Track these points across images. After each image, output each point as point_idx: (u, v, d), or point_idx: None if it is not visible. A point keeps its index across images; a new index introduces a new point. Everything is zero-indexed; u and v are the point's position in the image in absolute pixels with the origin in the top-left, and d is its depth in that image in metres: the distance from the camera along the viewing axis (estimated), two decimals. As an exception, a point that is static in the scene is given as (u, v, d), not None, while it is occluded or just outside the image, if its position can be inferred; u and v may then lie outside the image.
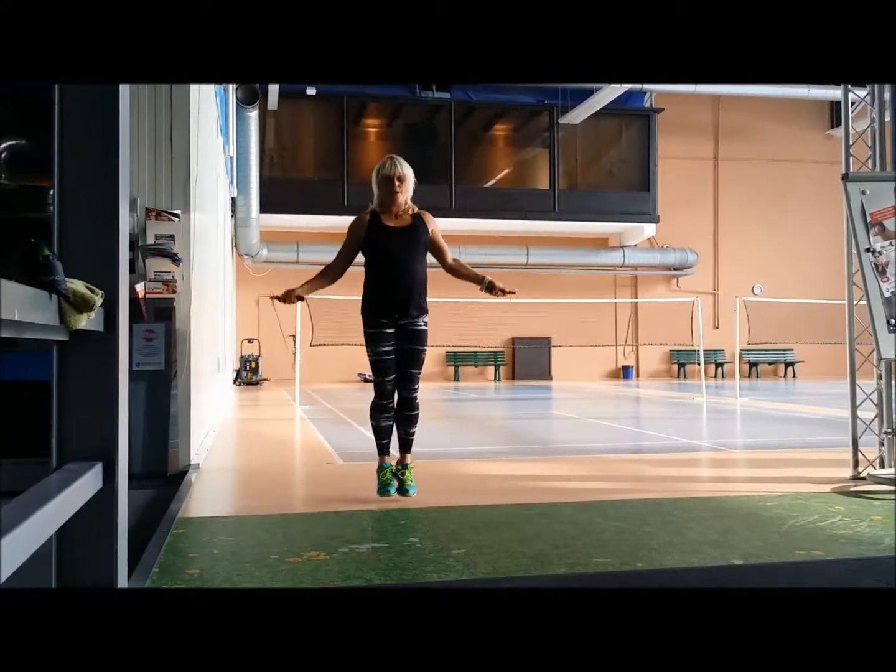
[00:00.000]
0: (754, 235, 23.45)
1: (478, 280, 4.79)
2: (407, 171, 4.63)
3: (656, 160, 21.76)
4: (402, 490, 4.70)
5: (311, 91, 19.14)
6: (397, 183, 4.57)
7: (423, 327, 4.67)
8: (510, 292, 4.72)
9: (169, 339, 5.63)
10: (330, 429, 9.04)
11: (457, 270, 4.84)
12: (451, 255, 4.81)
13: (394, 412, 4.74)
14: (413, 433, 4.79)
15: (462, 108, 20.93)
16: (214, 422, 9.30)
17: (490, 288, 4.73)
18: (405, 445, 4.79)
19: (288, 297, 4.64)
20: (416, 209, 4.71)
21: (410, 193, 4.69)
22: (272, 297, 4.66)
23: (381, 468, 4.75)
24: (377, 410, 4.73)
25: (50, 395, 1.94)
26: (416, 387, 4.71)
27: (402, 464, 4.76)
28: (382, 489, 4.70)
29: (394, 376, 4.65)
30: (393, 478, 4.72)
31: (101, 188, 1.95)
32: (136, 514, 4.25)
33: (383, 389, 4.67)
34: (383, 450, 4.78)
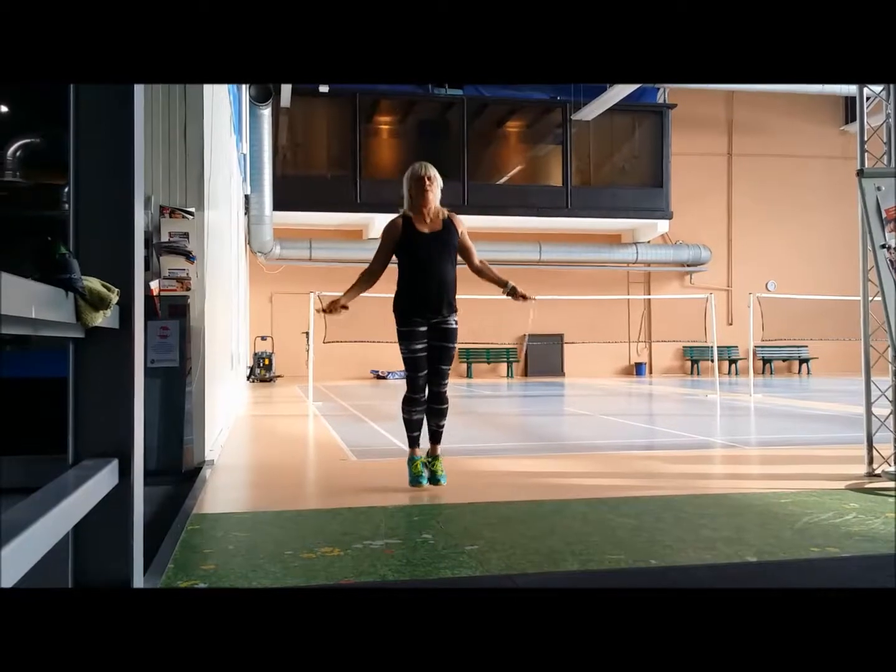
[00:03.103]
0: (768, 232, 23.34)
1: (502, 284, 5.05)
2: (436, 173, 4.92)
3: (669, 156, 21.68)
4: (434, 480, 4.94)
5: (323, 89, 19.15)
6: (427, 182, 4.84)
7: (454, 326, 4.92)
8: (531, 299, 5.02)
9: (183, 336, 5.65)
10: (343, 425, 9.06)
11: (482, 272, 5.10)
12: (477, 256, 5.07)
13: (425, 406, 4.95)
14: (443, 425, 5.04)
15: (474, 104, 20.91)
16: (228, 418, 9.34)
17: (513, 293, 5.01)
18: (435, 437, 5.03)
19: (334, 309, 4.86)
20: (447, 213, 4.95)
21: (439, 196, 4.94)
22: (318, 311, 4.92)
23: (411, 460, 4.98)
24: (409, 404, 4.94)
25: (66, 392, 1.96)
26: (446, 381, 4.96)
27: (433, 455, 5.01)
28: (414, 480, 4.91)
29: (426, 372, 4.87)
30: (424, 469, 4.95)
31: (117, 186, 1.96)
32: (152, 510, 4.28)
33: (416, 384, 4.89)
34: (414, 442, 5.00)
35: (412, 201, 4.89)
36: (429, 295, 4.80)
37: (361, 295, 5.02)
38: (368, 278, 4.95)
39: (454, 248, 4.91)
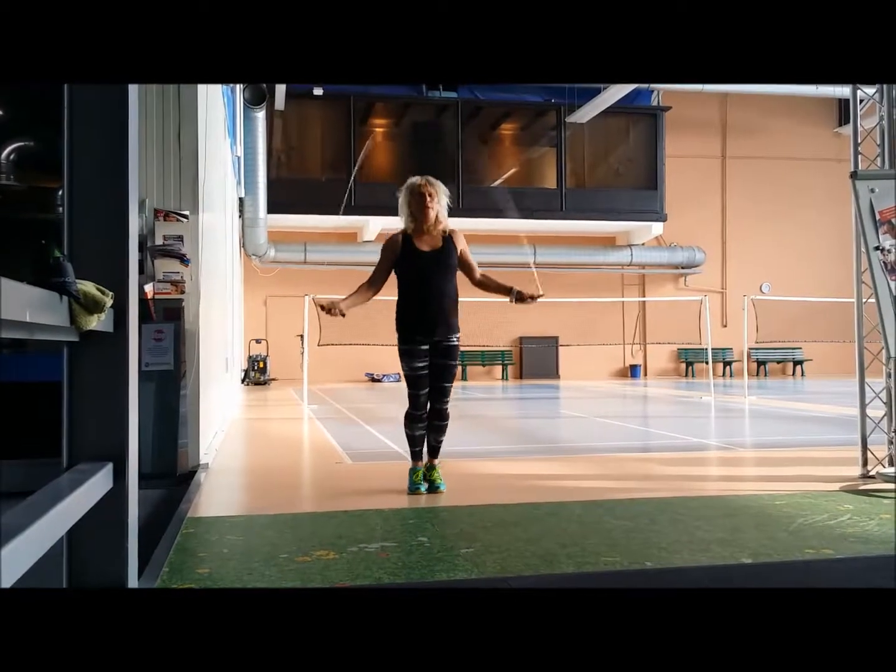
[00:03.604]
0: (762, 233, 23.38)
1: (506, 291, 4.91)
2: (439, 187, 4.78)
3: (664, 158, 21.71)
4: (433, 487, 4.94)
5: (318, 91, 19.14)
6: (428, 198, 4.71)
7: (455, 343, 4.85)
8: (539, 296, 4.86)
9: (178, 340, 5.64)
10: (338, 428, 9.05)
11: (485, 285, 5.01)
12: (478, 271, 4.99)
13: (426, 422, 4.93)
14: (442, 440, 5.03)
15: (469, 107, 20.91)
16: (223, 422, 9.32)
17: (519, 298, 4.84)
18: (434, 451, 5.03)
19: (332, 310, 4.74)
20: (448, 229, 4.84)
21: (445, 212, 4.81)
22: (317, 304, 4.85)
23: (413, 470, 4.98)
24: (412, 421, 4.92)
25: (60, 396, 1.95)
26: (447, 399, 4.93)
27: (431, 465, 5.01)
28: (413, 487, 4.92)
29: (427, 389, 4.83)
30: (423, 479, 4.96)
31: (111, 189, 1.96)
32: (146, 513, 4.27)
33: (417, 402, 4.86)
34: (416, 456, 5.00)
35: (412, 217, 4.77)
36: (427, 316, 4.74)
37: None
38: (367, 290, 4.87)
39: (454, 267, 4.82)
